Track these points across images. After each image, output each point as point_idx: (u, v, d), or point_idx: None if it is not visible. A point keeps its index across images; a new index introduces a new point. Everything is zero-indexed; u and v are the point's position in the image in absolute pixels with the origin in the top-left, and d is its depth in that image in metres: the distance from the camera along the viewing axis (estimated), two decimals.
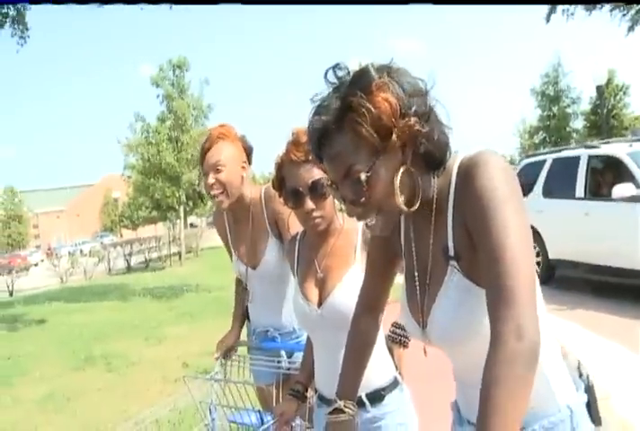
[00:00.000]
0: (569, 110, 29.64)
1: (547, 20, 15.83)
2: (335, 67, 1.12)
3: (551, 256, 7.86)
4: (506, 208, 1.02)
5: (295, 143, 1.73)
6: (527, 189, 8.03)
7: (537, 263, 7.81)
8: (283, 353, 2.38)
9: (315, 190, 1.74)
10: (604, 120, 21.70)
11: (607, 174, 7.46)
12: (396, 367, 1.86)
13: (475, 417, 1.10)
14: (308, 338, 2.00)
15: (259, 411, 2.37)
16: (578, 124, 30.36)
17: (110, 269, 20.12)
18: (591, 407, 1.22)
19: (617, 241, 6.66)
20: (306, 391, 1.99)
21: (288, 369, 2.30)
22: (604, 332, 5.45)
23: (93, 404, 5.23)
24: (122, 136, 18.88)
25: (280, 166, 1.78)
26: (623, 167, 6.92)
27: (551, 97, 31.40)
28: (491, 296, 1.00)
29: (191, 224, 28.60)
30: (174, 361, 6.40)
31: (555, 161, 8.12)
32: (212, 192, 2.27)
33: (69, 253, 30.50)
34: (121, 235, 39.79)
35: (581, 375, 1.26)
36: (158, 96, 18.09)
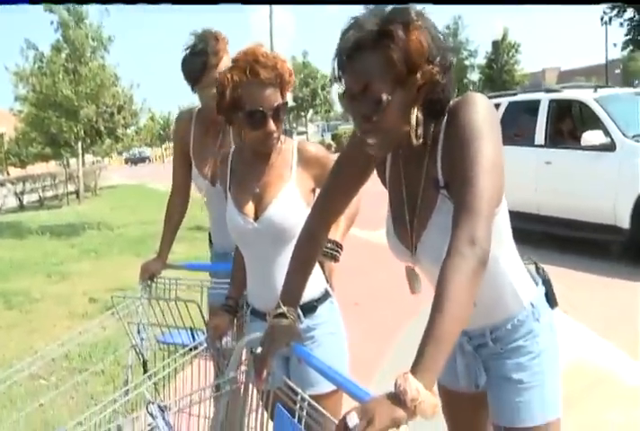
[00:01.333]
0: (467, 63, 30.61)
1: None
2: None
3: None
4: (482, 140, 1.18)
5: (261, 64, 1.74)
6: None
7: None
8: None
9: (278, 114, 1.79)
10: (498, 74, 22.67)
11: (569, 121, 7.19)
12: (327, 280, 1.97)
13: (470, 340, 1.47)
14: (236, 254, 2.06)
15: (190, 329, 2.37)
16: (474, 76, 31.44)
17: (0, 209, 19.02)
18: (549, 295, 1.51)
19: (581, 192, 6.34)
20: (237, 305, 2.06)
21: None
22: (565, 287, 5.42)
23: None
24: (11, 64, 17.47)
25: (237, 85, 1.76)
26: (589, 113, 6.61)
27: None
28: (455, 210, 1.17)
29: (92, 163, 27.42)
30: (80, 297, 6.30)
31: (511, 104, 7.47)
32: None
33: None
34: (8, 173, 37.42)
35: (537, 270, 1.52)
36: (52, 23, 16.75)
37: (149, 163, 53.35)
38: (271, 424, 1.57)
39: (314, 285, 1.85)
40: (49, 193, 20.26)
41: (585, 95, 6.77)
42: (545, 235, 6.89)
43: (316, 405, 1.30)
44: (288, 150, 1.91)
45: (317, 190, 1.95)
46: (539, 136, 6.88)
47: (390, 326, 4.54)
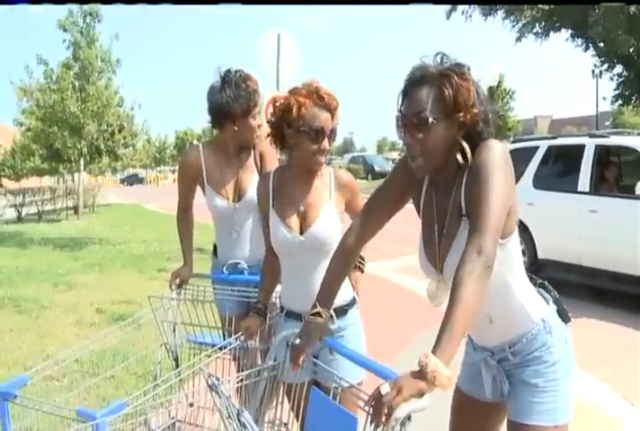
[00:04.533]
0: None
1: (448, 17, 16.62)
2: (443, 54, 1.59)
3: (540, 255, 6.95)
4: (493, 178, 1.49)
5: (323, 91, 2.11)
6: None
7: (523, 262, 7.09)
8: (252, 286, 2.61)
9: (332, 135, 2.15)
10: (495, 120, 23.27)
11: (615, 167, 6.96)
12: (354, 288, 2.30)
13: (485, 343, 1.76)
14: (266, 262, 2.35)
15: (222, 329, 2.68)
16: None
17: None
18: (560, 312, 1.76)
19: (627, 243, 5.90)
20: (266, 308, 2.33)
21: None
22: (602, 342, 5.09)
23: (6, 344, 5.22)
24: (16, 79, 17.81)
25: (303, 105, 2.09)
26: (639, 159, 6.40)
27: None
28: (468, 231, 1.49)
29: (88, 180, 27.58)
30: (87, 307, 6.50)
31: (551, 149, 7.21)
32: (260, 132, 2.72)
33: None
34: (1, 185, 37.44)
35: (548, 291, 1.80)
36: (65, 41, 17.19)
37: (143, 185, 53.34)
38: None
39: (345, 292, 2.16)
40: (47, 207, 20.41)
41: (635, 141, 6.46)
42: (585, 288, 6.54)
43: (350, 382, 1.61)
44: (326, 175, 2.26)
45: (345, 214, 2.30)
46: (583, 183, 6.50)
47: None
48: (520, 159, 7.24)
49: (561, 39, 22.02)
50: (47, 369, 2.19)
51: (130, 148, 22.01)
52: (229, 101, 2.60)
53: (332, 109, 2.12)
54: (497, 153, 1.54)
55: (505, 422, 1.77)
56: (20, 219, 19.03)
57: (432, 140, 1.55)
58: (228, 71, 2.64)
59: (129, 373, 4.31)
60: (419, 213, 1.77)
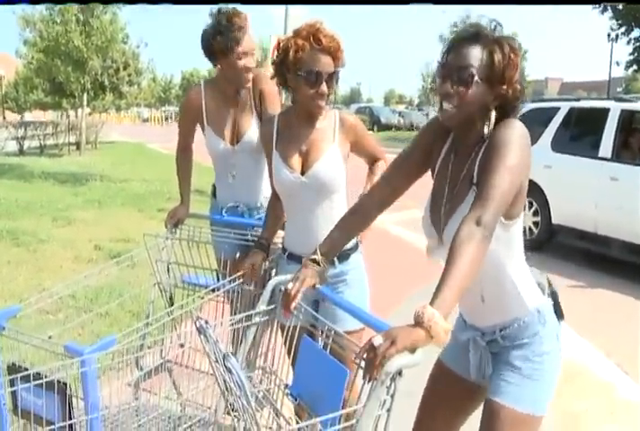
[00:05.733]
0: None
1: None
2: (498, 23, 1.59)
3: (554, 220, 6.68)
4: (508, 153, 1.48)
5: (323, 33, 2.03)
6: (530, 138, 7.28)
7: (535, 224, 6.91)
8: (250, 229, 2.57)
9: (331, 79, 2.08)
10: None
11: None
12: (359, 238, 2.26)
13: (476, 322, 1.73)
14: (270, 203, 2.34)
15: (216, 271, 2.65)
16: None
17: None
18: (556, 307, 1.72)
19: None
20: (269, 245, 2.33)
21: (254, 241, 2.46)
22: (604, 310, 5.07)
23: (3, 276, 5.25)
24: (18, 8, 17.33)
25: (301, 49, 2.03)
26: None
27: None
28: (474, 198, 1.48)
29: (90, 115, 27.26)
30: (85, 243, 6.52)
31: (573, 111, 6.85)
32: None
33: None
34: (4, 118, 37.08)
35: (547, 284, 1.74)
36: None
37: (147, 124, 52.83)
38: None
39: None
40: (49, 141, 20.24)
41: None
42: (598, 256, 6.34)
43: (342, 332, 1.56)
44: (331, 117, 2.21)
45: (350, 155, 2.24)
46: (605, 149, 6.18)
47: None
48: (539, 119, 7.05)
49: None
50: (40, 302, 2.16)
51: (135, 86, 21.71)
52: (210, 38, 2.51)
53: (332, 52, 2.05)
54: (518, 131, 1.53)
55: (480, 407, 1.72)
56: (21, 152, 18.92)
57: (471, 96, 1.54)
58: (219, 9, 2.53)
59: (124, 310, 4.35)
60: (433, 175, 1.75)
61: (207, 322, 1.59)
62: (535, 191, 6.73)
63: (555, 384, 1.68)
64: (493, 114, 1.56)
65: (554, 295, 1.73)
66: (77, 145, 19.59)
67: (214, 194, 2.87)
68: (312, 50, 2.03)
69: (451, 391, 1.81)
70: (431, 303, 1.29)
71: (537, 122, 6.98)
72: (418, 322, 1.26)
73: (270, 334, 1.94)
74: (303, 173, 2.17)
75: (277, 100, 2.66)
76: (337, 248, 1.86)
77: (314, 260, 1.77)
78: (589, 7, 19.32)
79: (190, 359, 2.41)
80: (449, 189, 1.65)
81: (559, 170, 6.66)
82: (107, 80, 19.58)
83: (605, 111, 6.40)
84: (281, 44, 2.08)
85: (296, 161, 2.18)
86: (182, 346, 2.46)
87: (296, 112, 2.20)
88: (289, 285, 1.73)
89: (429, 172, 1.78)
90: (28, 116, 38.78)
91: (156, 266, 2.62)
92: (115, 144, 24.67)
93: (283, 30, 8.28)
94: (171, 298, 2.65)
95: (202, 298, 2.34)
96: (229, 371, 1.35)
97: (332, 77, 2.08)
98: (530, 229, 6.98)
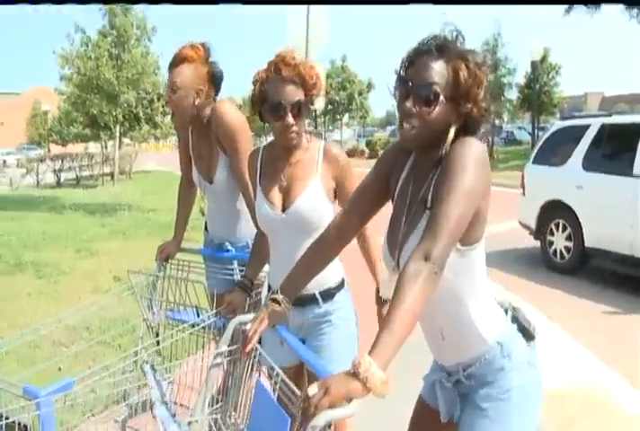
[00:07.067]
0: (505, 80, 30.13)
1: None
2: (459, 32, 1.48)
3: (588, 243, 6.34)
4: (463, 174, 1.37)
5: (284, 62, 1.96)
6: (560, 158, 6.86)
7: (567, 249, 6.67)
8: (236, 264, 2.56)
9: (297, 109, 1.99)
10: (536, 94, 22.19)
11: None
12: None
13: (441, 360, 1.65)
14: (257, 241, 2.28)
15: (196, 307, 2.59)
16: (512, 95, 30.93)
17: (38, 183, 19.52)
18: (523, 330, 1.60)
19: None
20: (252, 285, 2.27)
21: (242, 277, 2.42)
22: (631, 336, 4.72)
23: (23, 307, 5.32)
24: (58, 47, 18.01)
25: (264, 81, 1.99)
26: None
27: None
28: (423, 229, 1.37)
29: (126, 144, 27.96)
30: (106, 274, 6.57)
31: (605, 127, 6.53)
32: (169, 107, 2.55)
33: None
34: (49, 150, 38.33)
35: (508, 309, 1.64)
36: (101, 9, 17.27)
37: None
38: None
39: (333, 274, 2.08)
40: (86, 173, 20.76)
41: None
42: (636, 281, 5.99)
43: (287, 379, 1.51)
44: (315, 148, 2.11)
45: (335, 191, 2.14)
46: None
47: None
48: (568, 138, 6.89)
49: (614, 11, 20.53)
50: (22, 338, 2.27)
51: (170, 116, 22.12)
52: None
53: (296, 81, 1.97)
54: (474, 149, 1.41)
55: None
56: (58, 184, 19.43)
57: (435, 116, 1.43)
58: None
59: (112, 345, 4.32)
60: (392, 201, 1.66)
61: (152, 366, 1.57)
62: (566, 213, 6.59)
63: (534, 415, 1.60)
64: (452, 133, 1.46)
65: (515, 320, 1.62)
66: (112, 175, 20.06)
67: (206, 227, 2.84)
68: (274, 81, 1.97)
69: (433, 427, 1.73)
70: (371, 351, 1.22)
71: (566, 141, 6.88)
72: (354, 373, 1.19)
73: (244, 375, 1.88)
74: (284, 210, 2.07)
75: (231, 136, 2.48)
76: (299, 286, 1.77)
77: (274, 300, 1.70)
78: (627, 16, 18.61)
79: (179, 396, 2.34)
80: (407, 213, 1.55)
81: (591, 190, 6.38)
82: (141, 111, 20.02)
83: (639, 127, 6.10)
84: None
85: (277, 196, 2.10)
86: (170, 383, 2.42)
87: (277, 145, 2.13)
88: (248, 326, 1.68)
89: None
90: (71, 148, 40.01)
91: (142, 302, 2.61)
92: (150, 173, 25.11)
93: (305, 42, 8.09)
94: (157, 334, 2.62)
95: (182, 332, 2.29)
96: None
97: (298, 106, 1.98)
98: (562, 253, 6.76)
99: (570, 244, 6.64)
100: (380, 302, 2.17)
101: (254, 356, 1.73)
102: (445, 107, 1.43)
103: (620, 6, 17.57)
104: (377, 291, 2.21)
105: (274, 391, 1.55)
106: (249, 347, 1.66)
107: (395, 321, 1.23)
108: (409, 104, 1.44)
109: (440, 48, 1.44)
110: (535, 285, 6.38)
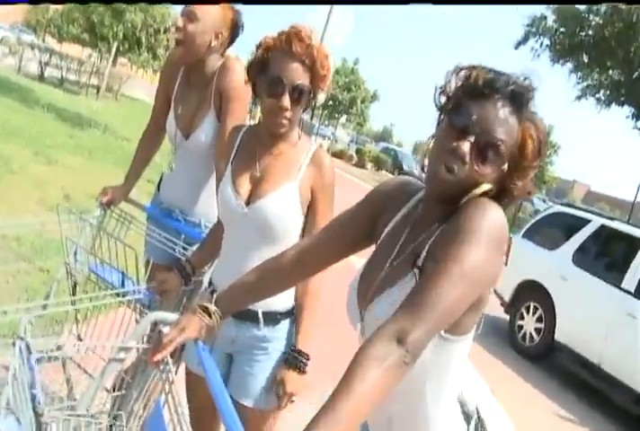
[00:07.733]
0: None
1: (516, 47, 15.82)
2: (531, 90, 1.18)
3: (557, 337, 6.11)
4: (472, 247, 1.07)
5: (298, 36, 1.66)
6: (551, 242, 6.75)
7: (538, 331, 6.36)
8: (182, 239, 2.22)
9: (298, 93, 1.69)
10: None
11: None
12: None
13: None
14: (215, 228, 1.99)
15: (122, 273, 2.20)
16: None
17: (20, 69, 18.37)
18: None
19: None
20: (193, 273, 1.98)
21: (183, 255, 2.14)
22: None
23: None
24: None
25: (270, 48, 1.69)
26: None
27: None
28: (406, 297, 1.07)
29: (121, 64, 26.93)
30: (57, 188, 6.10)
31: (604, 229, 6.34)
32: (174, 35, 2.21)
33: None
34: (44, 40, 36.81)
35: (478, 419, 1.35)
36: None
37: None
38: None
39: (283, 298, 1.78)
40: (73, 77, 19.66)
41: None
42: (598, 394, 5.71)
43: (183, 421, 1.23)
44: (304, 148, 1.81)
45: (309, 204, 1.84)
46: (630, 282, 5.63)
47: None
48: (564, 225, 6.82)
49: (622, 113, 20.35)
50: None
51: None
52: None
53: (305, 63, 1.67)
54: (496, 221, 1.12)
55: None
56: (41, 78, 18.35)
57: (484, 175, 1.16)
58: None
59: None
60: (377, 241, 1.36)
61: (28, 346, 1.26)
62: (542, 298, 6.40)
63: None
64: (479, 191, 1.16)
65: (480, 426, 1.35)
66: (98, 89, 19.10)
67: (159, 186, 2.48)
68: (281, 53, 1.67)
69: None
70: None
71: (561, 228, 6.78)
72: None
73: (147, 385, 1.52)
74: (248, 203, 1.77)
75: (235, 104, 2.23)
76: (238, 305, 1.50)
77: (205, 309, 1.38)
78: (631, 124, 18.13)
79: (83, 360, 2.06)
80: (395, 257, 1.27)
81: (576, 285, 6.16)
82: (144, 37, 19.41)
83: (637, 242, 5.89)
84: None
85: (245, 185, 1.80)
86: (80, 339, 2.19)
87: (261, 128, 1.83)
88: (165, 330, 1.33)
89: None
90: (67, 47, 38.50)
91: (67, 243, 2.21)
92: (136, 101, 24.15)
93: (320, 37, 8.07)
94: (75, 286, 2.25)
95: (103, 299, 1.96)
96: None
97: (300, 91, 1.68)
98: (531, 335, 6.49)
99: (540, 326, 6.36)
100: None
101: (163, 370, 1.37)
102: (497, 172, 1.17)
103: (628, 112, 16.97)
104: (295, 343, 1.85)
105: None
106: (158, 357, 1.32)
107: (344, 408, 0.92)
108: (465, 148, 1.14)
109: (516, 97, 1.15)
110: (499, 365, 5.90)
